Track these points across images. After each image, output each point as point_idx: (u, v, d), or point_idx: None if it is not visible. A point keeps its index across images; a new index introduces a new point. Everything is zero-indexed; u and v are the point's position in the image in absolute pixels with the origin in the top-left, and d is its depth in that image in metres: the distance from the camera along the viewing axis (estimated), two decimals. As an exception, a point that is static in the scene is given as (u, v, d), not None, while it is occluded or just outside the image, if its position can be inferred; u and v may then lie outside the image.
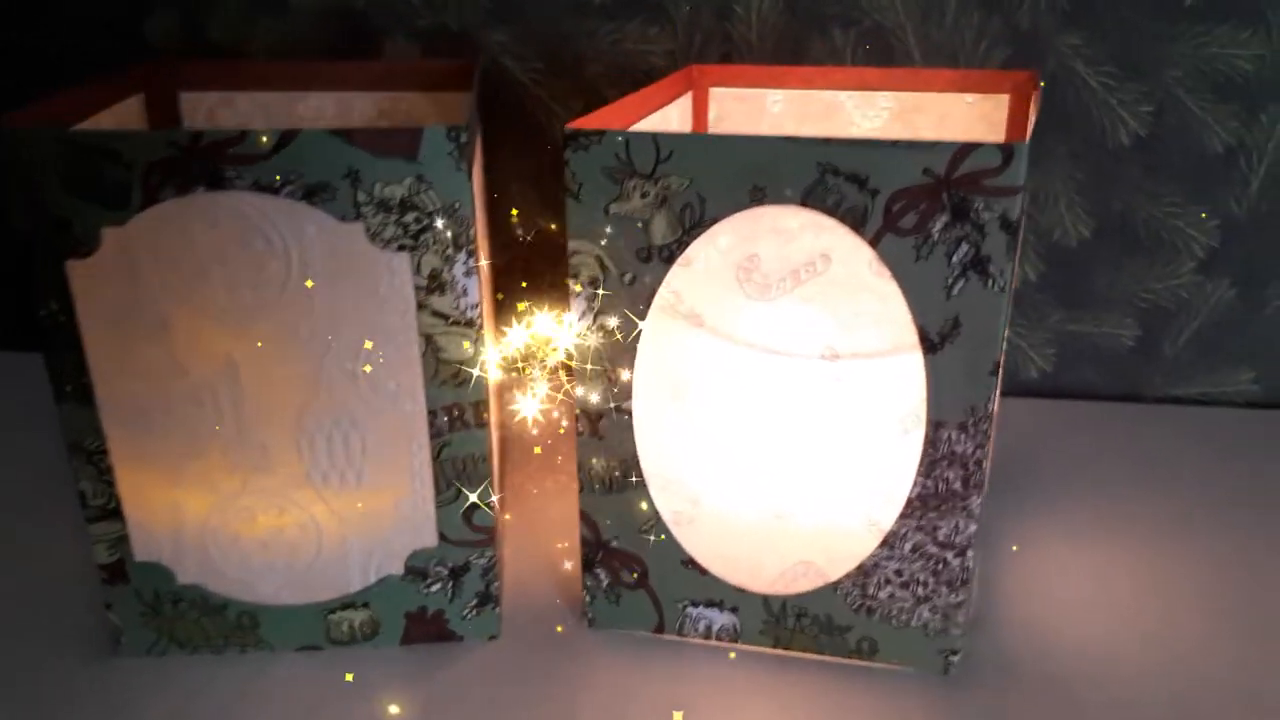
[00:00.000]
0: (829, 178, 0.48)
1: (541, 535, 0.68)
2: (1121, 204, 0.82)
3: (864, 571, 0.55)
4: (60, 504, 0.68)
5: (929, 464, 0.52)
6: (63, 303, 0.50)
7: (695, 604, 0.58)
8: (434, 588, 0.57)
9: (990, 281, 0.48)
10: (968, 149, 0.46)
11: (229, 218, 0.49)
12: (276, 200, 0.49)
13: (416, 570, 0.57)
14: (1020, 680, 0.56)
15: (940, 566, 0.54)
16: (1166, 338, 0.85)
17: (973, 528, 0.53)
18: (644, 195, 0.50)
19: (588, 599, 0.59)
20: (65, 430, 0.52)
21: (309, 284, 0.50)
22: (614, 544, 0.58)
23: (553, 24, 0.81)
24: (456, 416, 0.54)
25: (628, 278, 0.52)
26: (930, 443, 0.52)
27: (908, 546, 0.54)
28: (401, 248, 0.50)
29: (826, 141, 0.47)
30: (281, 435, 0.53)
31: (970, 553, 0.53)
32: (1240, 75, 0.77)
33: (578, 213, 0.51)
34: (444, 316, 0.52)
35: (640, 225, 0.50)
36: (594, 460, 0.56)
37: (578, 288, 0.52)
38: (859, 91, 0.66)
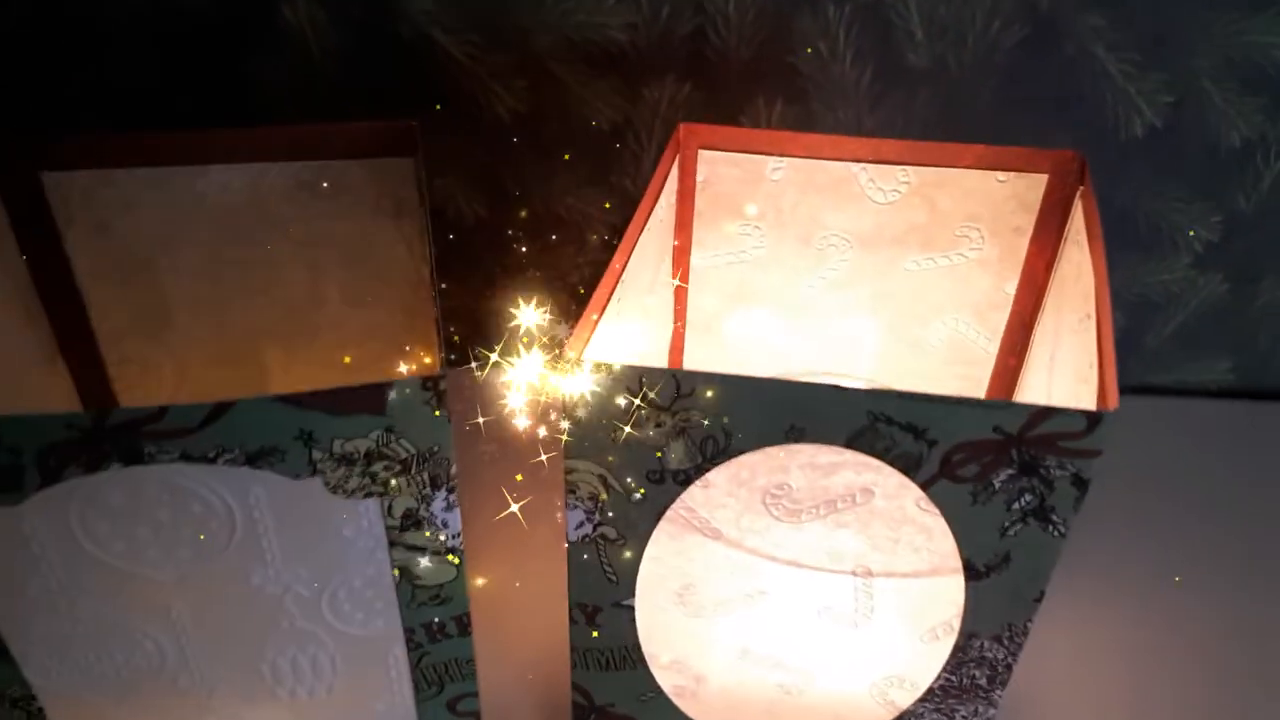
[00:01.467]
0: (880, 425, 0.41)
1: (521, 649, 0.63)
2: (1125, 198, 0.75)
3: (874, 739, 0.53)
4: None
5: (956, 664, 0.49)
6: (-45, 580, 0.41)
7: (694, 752, 0.56)
8: (417, 764, 0.53)
9: (1051, 529, 0.43)
10: (1047, 413, 0.39)
11: (154, 487, 0.40)
12: (213, 467, 0.39)
13: (398, 753, 0.52)
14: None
15: (954, 738, 0.52)
16: (1150, 330, 0.81)
17: (992, 712, 0.51)
18: (659, 425, 0.42)
19: (578, 740, 0.56)
20: (-19, 686, 0.45)
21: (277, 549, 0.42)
22: (609, 709, 0.54)
23: (490, -10, 0.67)
24: (437, 629, 0.48)
25: (635, 497, 0.45)
26: (960, 648, 0.48)
27: (924, 725, 0.52)
28: (370, 495, 0.42)
29: (881, 394, 0.40)
30: (237, 663, 0.47)
31: (987, 731, 0.52)
32: (1274, 67, 0.69)
33: (578, 435, 0.43)
34: (421, 549, 0.44)
35: (653, 451, 0.43)
36: (588, 647, 0.51)
37: (574, 502, 0.45)
38: (874, 165, 0.56)
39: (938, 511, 0.43)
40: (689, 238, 0.60)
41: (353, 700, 0.49)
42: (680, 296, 0.63)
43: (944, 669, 0.49)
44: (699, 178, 0.58)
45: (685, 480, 0.44)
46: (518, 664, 0.62)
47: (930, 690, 0.50)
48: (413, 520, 0.43)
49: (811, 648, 0.50)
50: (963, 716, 0.51)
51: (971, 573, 0.45)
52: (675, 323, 0.64)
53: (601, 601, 0.49)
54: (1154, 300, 0.79)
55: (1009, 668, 0.48)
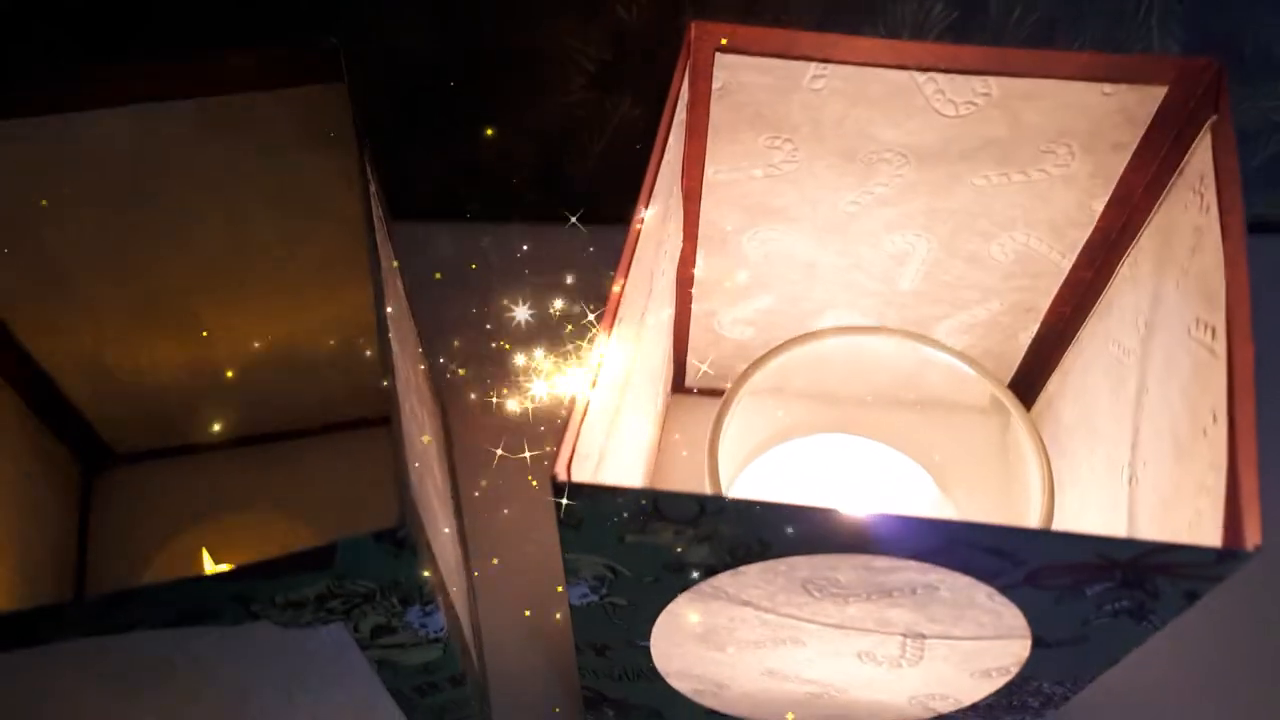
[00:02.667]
0: (961, 548, 0.33)
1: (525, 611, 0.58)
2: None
3: (908, 729, 0.49)
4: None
5: (1009, 691, 0.44)
6: None
7: (713, 727, 0.52)
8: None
9: (1144, 624, 0.36)
10: (1169, 550, 0.31)
11: (67, 661, 0.32)
12: (136, 635, 0.32)
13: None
14: None
15: (995, 733, 0.48)
16: None
17: (1041, 721, 0.46)
18: (678, 533, 0.34)
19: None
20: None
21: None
22: (624, 700, 0.50)
23: None
24: (429, 688, 0.42)
25: (649, 579, 0.37)
26: (1016, 684, 0.43)
27: (964, 727, 0.48)
28: (329, 622, 0.35)
29: (967, 526, 0.31)
30: None
31: (1031, 730, 0.48)
32: None
33: (574, 537, 0.35)
34: (400, 646, 0.38)
35: (671, 553, 0.35)
36: (596, 669, 0.46)
37: (576, 581, 0.38)
38: (945, 74, 0.43)
39: (1015, 609, 0.36)
40: (703, 147, 0.48)
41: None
42: (691, 210, 0.51)
43: (995, 695, 0.44)
44: (715, 85, 0.45)
45: (710, 573, 0.36)
46: (515, 600, 0.57)
47: (975, 706, 0.46)
48: (387, 630, 0.36)
49: (848, 678, 0.45)
50: (1008, 723, 0.47)
51: (1041, 644, 0.39)
52: (685, 240, 0.53)
53: (612, 642, 0.43)
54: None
55: (1066, 699, 0.44)
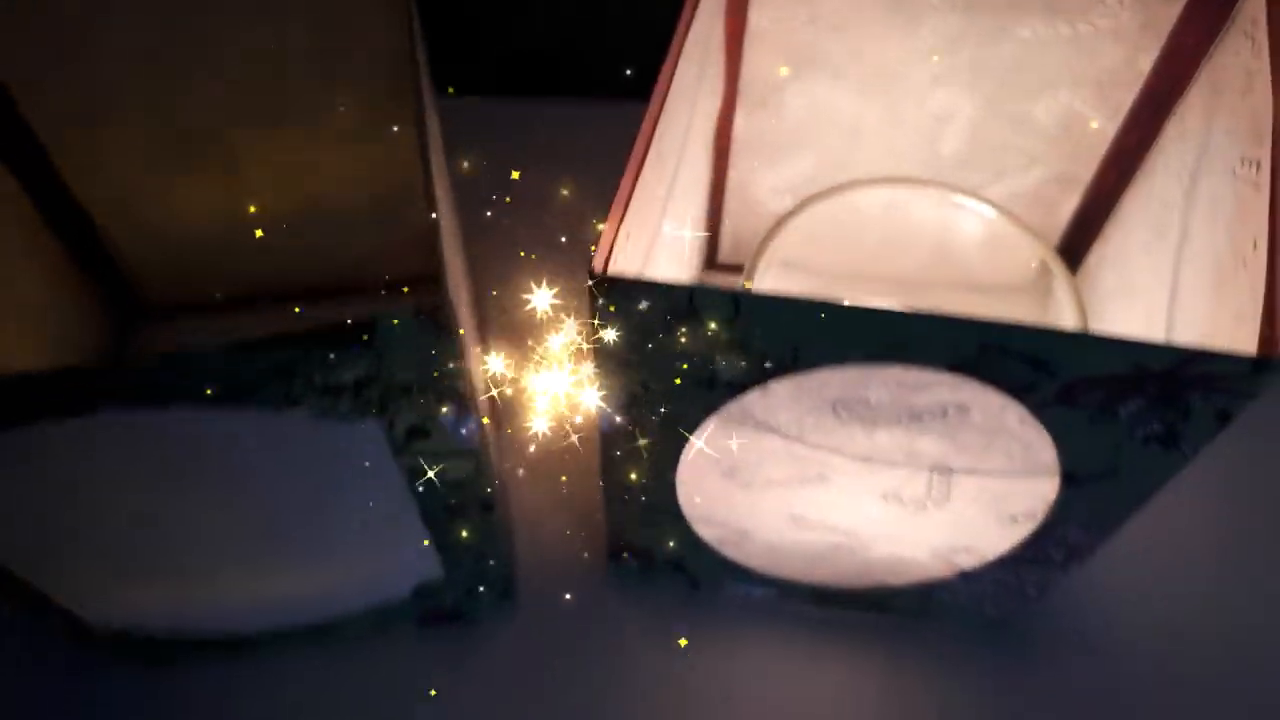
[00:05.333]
0: (994, 355, 0.33)
1: (554, 486, 0.58)
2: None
3: (930, 585, 0.49)
4: None
5: (1034, 542, 0.44)
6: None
7: (736, 582, 0.53)
8: (446, 600, 0.51)
9: (1174, 452, 0.36)
10: (1206, 357, 0.31)
11: (110, 441, 0.33)
12: (172, 411, 0.32)
13: (423, 594, 0.50)
14: (1087, 633, 0.53)
15: (1016, 592, 0.49)
16: None
17: (1061, 577, 0.47)
18: (711, 340, 0.34)
19: (612, 567, 0.53)
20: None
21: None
22: (649, 549, 0.50)
23: None
24: (458, 510, 0.43)
25: (679, 399, 0.37)
26: (1042, 532, 0.43)
27: (986, 580, 0.48)
28: (366, 417, 0.35)
29: (1002, 326, 0.31)
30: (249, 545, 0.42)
31: (1050, 589, 0.48)
32: None
33: (606, 351, 0.35)
34: (433, 454, 0.38)
35: (702, 360, 0.35)
36: (622, 514, 0.46)
37: (606, 405, 0.38)
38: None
39: (1044, 432, 0.36)
40: (746, -5, 0.48)
41: (376, 563, 0.46)
42: (732, 59, 0.51)
43: (1019, 546, 0.44)
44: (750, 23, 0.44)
45: (740, 390, 0.37)
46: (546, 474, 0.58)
47: (1000, 558, 0.46)
48: (421, 433, 0.37)
49: (873, 522, 0.45)
50: (1032, 580, 0.47)
51: (1070, 480, 0.39)
52: (723, 96, 0.52)
53: (639, 480, 0.43)
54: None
55: (1091, 549, 0.44)
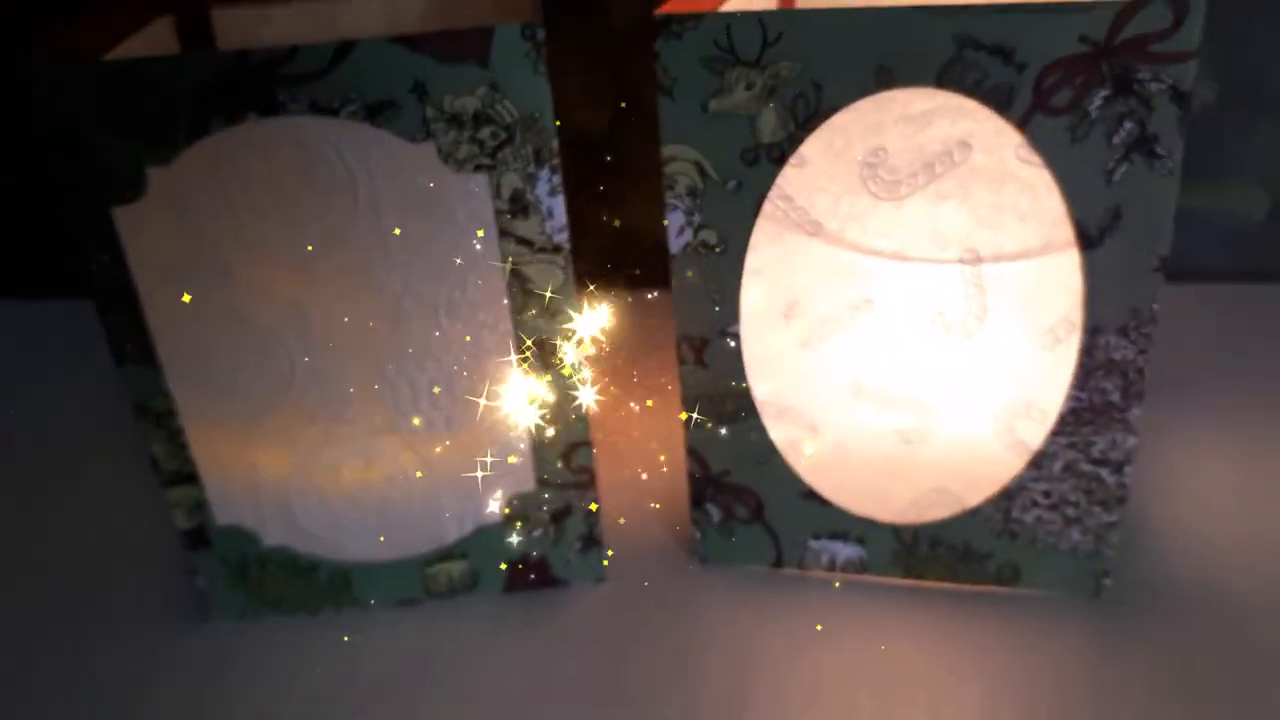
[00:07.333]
0: (968, 52, 0.41)
1: (637, 464, 0.63)
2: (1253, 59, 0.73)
3: (1007, 495, 0.50)
4: (132, 462, 0.65)
5: (1084, 375, 0.46)
6: (113, 254, 0.45)
7: (817, 536, 0.53)
8: (535, 533, 0.53)
9: (1158, 163, 0.42)
10: (1132, 9, 0.39)
11: (286, 146, 0.43)
12: (337, 123, 0.43)
13: (516, 516, 0.52)
14: (1179, 602, 0.51)
15: (1094, 485, 0.49)
16: (1302, 209, 0.77)
17: (1132, 441, 0.47)
18: (749, 86, 0.44)
19: (698, 535, 0.55)
20: (132, 392, 0.48)
21: (396, 232, 0.45)
22: (725, 479, 0.53)
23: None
24: (549, 352, 0.49)
25: (731, 184, 0.46)
26: (1086, 351, 0.46)
27: (1058, 466, 0.49)
28: (479, 168, 0.45)
29: (965, 9, 0.41)
30: (359, 381, 0.49)
31: (1128, 469, 0.48)
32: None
33: (672, 112, 0.45)
34: (529, 243, 0.46)
35: (746, 122, 0.44)
36: (699, 392, 0.51)
37: (674, 200, 0.47)
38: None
39: (1039, 160, 0.42)
40: None
41: (468, 441, 0.50)
42: None
43: (1072, 384, 0.46)
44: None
45: (780, 157, 0.45)
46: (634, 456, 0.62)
47: (1062, 418, 0.47)
48: (520, 205, 0.45)
49: (927, 371, 0.48)
50: (1100, 450, 0.48)
51: (1084, 239, 0.43)
52: None
53: (708, 331, 0.49)
54: (1300, 175, 0.76)
55: (1140, 373, 0.46)
